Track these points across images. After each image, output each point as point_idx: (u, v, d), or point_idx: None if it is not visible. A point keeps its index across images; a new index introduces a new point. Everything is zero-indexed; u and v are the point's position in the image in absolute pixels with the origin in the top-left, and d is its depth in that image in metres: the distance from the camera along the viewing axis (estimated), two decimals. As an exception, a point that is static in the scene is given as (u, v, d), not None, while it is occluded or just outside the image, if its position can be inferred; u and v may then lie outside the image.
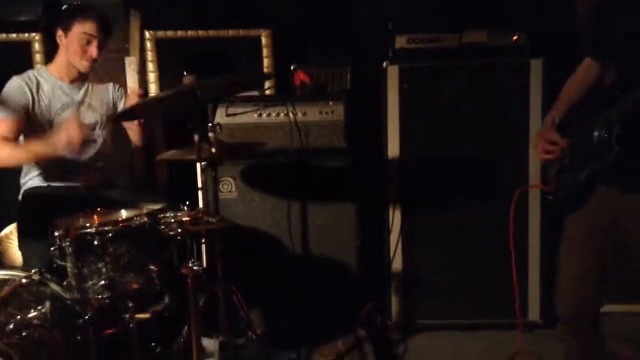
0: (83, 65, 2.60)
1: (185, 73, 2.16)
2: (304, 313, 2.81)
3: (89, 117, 2.67)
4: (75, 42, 2.55)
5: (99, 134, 2.71)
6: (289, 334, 2.76)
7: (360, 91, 3.13)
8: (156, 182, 3.26)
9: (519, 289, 2.72)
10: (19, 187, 2.67)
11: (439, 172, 2.98)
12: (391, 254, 3.01)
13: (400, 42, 2.96)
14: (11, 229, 2.63)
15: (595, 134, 1.97)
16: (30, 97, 2.53)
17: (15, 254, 2.58)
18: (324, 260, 2.93)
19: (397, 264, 3.01)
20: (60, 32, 2.59)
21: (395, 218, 2.99)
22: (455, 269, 2.99)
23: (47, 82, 2.60)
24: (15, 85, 2.53)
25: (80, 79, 2.68)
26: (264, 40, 3.26)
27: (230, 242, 2.46)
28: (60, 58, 2.63)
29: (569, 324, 2.23)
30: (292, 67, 3.12)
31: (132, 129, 2.81)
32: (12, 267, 2.21)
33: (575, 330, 2.24)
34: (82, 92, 2.68)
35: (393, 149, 2.97)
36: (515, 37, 2.93)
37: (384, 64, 2.95)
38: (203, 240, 2.18)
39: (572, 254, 2.15)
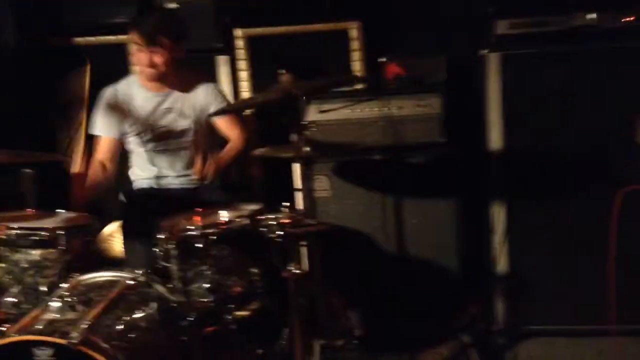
0: (142, 74, 2.56)
1: (279, 71, 2.09)
2: (405, 316, 2.70)
3: (180, 123, 2.65)
4: (136, 54, 2.52)
5: (191, 140, 2.68)
6: (390, 338, 2.66)
7: (458, 82, 2.97)
8: (250, 180, 3.23)
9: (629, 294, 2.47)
10: (120, 187, 2.71)
11: (545, 167, 2.77)
12: (495, 255, 2.83)
13: (502, 27, 2.77)
14: (114, 227, 2.68)
15: None
16: (124, 110, 2.55)
17: (118, 252, 2.62)
18: (423, 261, 2.81)
19: (501, 265, 2.83)
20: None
21: (498, 216, 2.81)
22: (565, 271, 2.77)
23: (137, 90, 2.61)
24: (111, 99, 2.55)
25: (165, 85, 2.63)
26: (353, 33, 3.16)
27: (327, 243, 2.40)
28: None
29: None
30: (383, 60, 3.00)
31: (234, 135, 2.76)
32: (117, 269, 2.22)
33: None
34: (171, 98, 2.64)
35: (495, 142, 2.79)
36: (629, 19, 2.68)
37: (484, 51, 2.77)
38: (303, 243, 2.11)
39: None
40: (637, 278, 2.67)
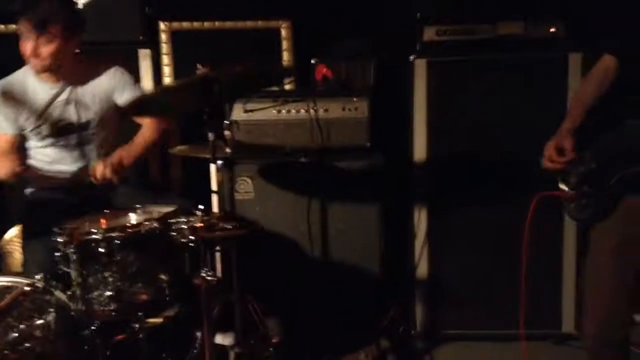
0: (33, 66, 2.35)
1: (199, 65, 1.99)
2: (324, 321, 2.67)
3: (80, 115, 2.47)
4: (23, 44, 2.31)
5: (96, 132, 2.52)
6: (309, 344, 2.61)
7: (385, 87, 2.96)
8: (170, 179, 3.12)
9: (553, 298, 2.55)
10: (22, 188, 2.54)
11: (468, 174, 2.80)
12: (416, 260, 2.85)
13: (429, 34, 2.78)
14: (15, 232, 2.50)
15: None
16: (20, 104, 2.36)
17: (19, 259, 2.45)
18: (346, 265, 2.78)
19: (422, 270, 2.85)
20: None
21: (420, 222, 2.83)
22: (483, 277, 2.83)
23: (33, 81, 2.41)
24: (5, 91, 2.35)
25: (61, 77, 2.43)
26: (283, 33, 3.10)
27: (246, 247, 2.33)
28: None
29: (595, 344, 2.03)
30: (313, 61, 2.96)
31: (146, 123, 2.61)
32: (14, 274, 2.07)
33: (600, 352, 2.04)
34: (69, 89, 2.45)
35: (419, 148, 2.80)
36: (553, 29, 2.74)
37: (411, 57, 2.77)
38: (217, 248, 2.03)
39: (600, 268, 1.97)
40: (549, 282, 2.74)
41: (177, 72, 3.04)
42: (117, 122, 2.58)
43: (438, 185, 2.81)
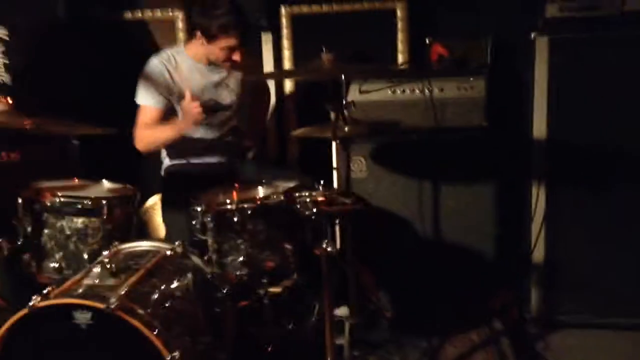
0: (224, 65, 2.57)
1: (323, 50, 2.08)
2: (436, 300, 2.69)
3: (226, 97, 2.67)
4: (218, 51, 2.50)
5: (234, 114, 2.71)
6: (420, 321, 2.66)
7: (503, 65, 2.90)
8: (287, 158, 3.26)
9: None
10: (161, 161, 2.77)
11: (590, 156, 2.70)
12: (532, 242, 2.79)
13: (552, 10, 2.68)
14: (155, 199, 2.74)
15: None
16: (170, 81, 2.54)
17: (158, 224, 2.69)
18: (457, 245, 2.78)
19: (538, 252, 2.78)
20: (199, 34, 2.51)
21: (538, 203, 2.76)
22: (604, 261, 2.72)
23: (186, 62, 2.59)
24: (156, 69, 2.53)
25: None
26: (399, 13, 3.12)
27: (361, 223, 2.41)
28: (198, 47, 2.56)
29: None
30: (428, 41, 2.96)
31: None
32: (156, 239, 2.29)
33: None
34: (219, 72, 2.65)
35: (539, 128, 2.72)
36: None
37: (532, 35, 2.70)
38: (337, 221, 2.12)
39: None
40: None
41: (296, 56, 3.15)
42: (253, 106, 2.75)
43: (557, 166, 2.73)
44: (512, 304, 2.81)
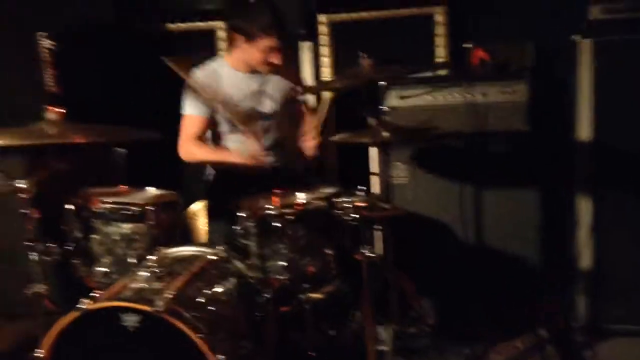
0: (264, 69, 2.60)
1: (360, 54, 2.09)
2: (479, 307, 2.66)
3: (267, 105, 2.71)
4: (259, 53, 2.53)
5: (276, 122, 2.74)
6: (463, 328, 2.63)
7: (545, 69, 2.86)
8: (325, 164, 3.28)
9: None
10: (204, 168, 2.82)
11: (636, 159, 2.64)
12: (578, 249, 2.73)
13: (595, 12, 2.64)
14: (198, 205, 2.80)
15: None
16: (213, 91, 2.57)
17: (201, 229, 2.74)
18: (501, 251, 2.75)
19: (584, 259, 2.73)
20: (238, 37, 2.55)
21: (584, 209, 2.70)
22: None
23: (227, 72, 2.64)
24: (200, 80, 2.58)
25: (255, 70, 2.67)
26: (438, 18, 3.11)
27: (402, 229, 2.40)
28: (238, 54, 2.62)
29: None
30: (468, 45, 2.94)
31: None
32: (200, 244, 2.33)
33: None
34: (260, 81, 2.68)
35: (584, 133, 2.67)
36: None
37: (575, 37, 2.65)
38: (378, 227, 2.12)
39: None
40: None
41: (335, 63, 3.17)
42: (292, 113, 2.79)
43: (602, 170, 2.67)
44: (557, 311, 2.75)
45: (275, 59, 2.54)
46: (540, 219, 2.70)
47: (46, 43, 2.85)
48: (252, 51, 2.54)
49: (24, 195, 2.07)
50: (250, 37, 2.51)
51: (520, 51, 2.89)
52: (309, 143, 2.61)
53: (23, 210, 2.08)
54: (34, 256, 2.10)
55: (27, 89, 2.85)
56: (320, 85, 3.12)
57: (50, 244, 2.15)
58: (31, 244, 2.10)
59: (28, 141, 2.04)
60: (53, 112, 2.08)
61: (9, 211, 2.84)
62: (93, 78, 2.89)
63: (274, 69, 2.61)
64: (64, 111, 2.09)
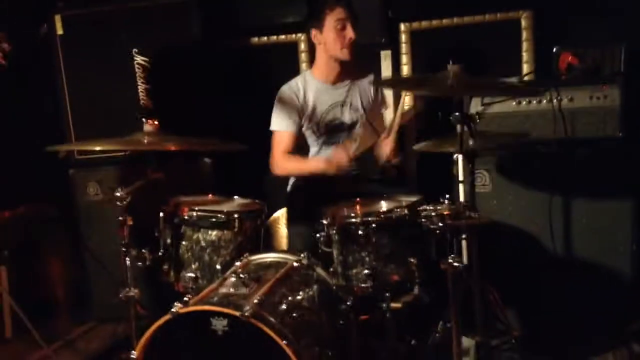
0: (344, 52, 2.63)
1: (450, 62, 2.06)
2: (567, 319, 2.55)
3: (350, 116, 2.74)
4: (332, 32, 2.60)
5: (358, 131, 2.77)
6: (551, 341, 2.53)
7: (638, 73, 2.72)
8: (405, 171, 3.25)
9: None
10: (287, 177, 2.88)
11: None
12: (677, 262, 2.57)
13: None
14: (280, 213, 2.85)
15: None
16: (300, 105, 2.68)
17: (282, 236, 2.79)
18: (591, 263, 2.63)
19: (684, 273, 2.56)
20: (314, 32, 2.66)
21: (683, 220, 2.54)
22: None
23: (312, 86, 2.71)
24: (287, 96, 2.69)
25: (341, 77, 2.74)
26: (524, 23, 3.03)
27: (487, 239, 2.34)
28: (320, 59, 2.71)
29: None
30: (555, 49, 2.84)
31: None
32: (283, 251, 2.37)
33: None
34: (344, 92, 2.75)
35: (681, 138, 2.52)
36: None
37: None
38: (463, 236, 2.07)
39: None
40: None
41: (415, 71, 3.15)
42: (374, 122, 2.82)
43: None
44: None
45: (349, 33, 2.59)
46: (634, 230, 2.56)
47: (139, 59, 3.03)
48: (326, 34, 2.61)
49: (119, 203, 2.18)
50: (321, 22, 2.60)
51: (611, 55, 2.77)
52: (386, 147, 2.62)
53: (119, 218, 2.18)
54: (127, 261, 2.21)
55: (124, 102, 3.03)
56: (409, 81, 3.10)
57: (143, 250, 2.26)
58: (125, 249, 2.22)
59: (130, 147, 2.16)
60: (148, 124, 2.19)
61: (105, 219, 3.04)
62: (182, 92, 3.01)
63: (353, 48, 2.62)
64: (158, 123, 2.20)
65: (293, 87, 2.71)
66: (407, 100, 2.79)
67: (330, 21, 2.59)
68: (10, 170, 2.63)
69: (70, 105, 3.10)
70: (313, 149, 2.77)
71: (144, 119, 2.19)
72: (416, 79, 2.66)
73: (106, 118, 3.06)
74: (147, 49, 3.02)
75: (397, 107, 2.63)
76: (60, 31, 3.03)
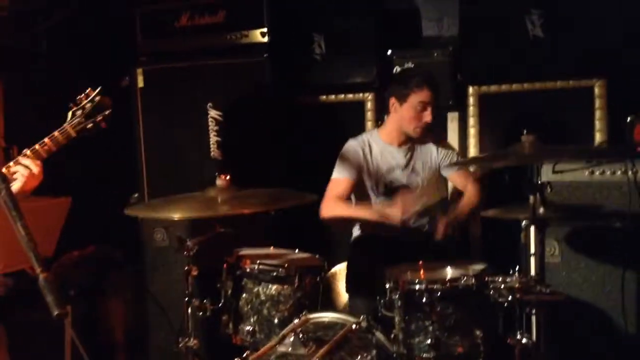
0: (416, 131, 2.68)
1: (525, 132, 2.04)
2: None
3: (412, 179, 2.74)
4: (411, 111, 2.64)
5: (421, 189, 2.76)
6: None
7: None
8: (470, 238, 3.18)
9: None
10: (350, 231, 2.87)
11: None
12: None
13: None
14: (340, 267, 2.83)
15: None
16: (363, 160, 2.72)
17: (340, 291, 2.75)
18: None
19: None
20: (394, 101, 2.70)
21: None
22: None
23: (378, 145, 2.76)
24: (352, 149, 2.74)
25: (407, 142, 2.77)
26: (597, 91, 2.97)
27: (555, 313, 2.24)
28: (391, 124, 2.76)
29: None
30: (629, 119, 2.76)
31: (469, 188, 2.82)
32: (342, 311, 2.34)
33: None
34: (408, 155, 2.77)
35: None
36: None
37: None
38: (532, 311, 2.00)
39: None
40: None
41: (482, 134, 3.13)
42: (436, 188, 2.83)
43: None
44: None
45: (427, 116, 2.63)
46: None
47: (213, 113, 3.15)
48: (405, 110, 2.65)
49: (186, 253, 2.22)
50: (403, 97, 2.65)
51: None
52: (440, 226, 2.64)
53: (185, 267, 2.22)
54: (189, 311, 2.24)
55: (197, 154, 3.13)
56: (477, 162, 3.09)
57: (204, 301, 2.28)
58: (188, 299, 2.24)
59: (202, 213, 2.23)
60: (221, 179, 2.24)
61: (169, 266, 3.10)
62: (250, 146, 3.09)
63: (425, 130, 2.67)
64: (230, 177, 2.25)
65: (359, 142, 2.77)
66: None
67: (414, 100, 2.63)
68: (84, 213, 2.73)
69: (145, 154, 3.21)
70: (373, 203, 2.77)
71: (217, 173, 2.25)
72: (493, 156, 2.64)
73: (179, 168, 3.16)
74: (221, 103, 3.13)
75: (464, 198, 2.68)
76: (141, 84, 3.18)
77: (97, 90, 2.17)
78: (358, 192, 2.77)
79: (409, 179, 2.75)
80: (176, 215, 2.30)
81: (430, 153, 2.81)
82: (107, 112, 2.15)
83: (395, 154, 2.76)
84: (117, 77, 3.29)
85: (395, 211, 2.49)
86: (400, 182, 2.74)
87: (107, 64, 3.30)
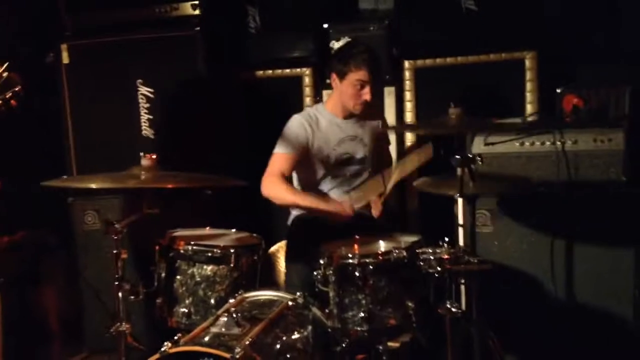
0: (356, 109, 2.67)
1: (451, 104, 2.06)
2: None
3: (360, 151, 2.74)
4: (350, 88, 2.62)
5: (365, 167, 2.77)
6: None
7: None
8: (407, 211, 3.23)
9: None
10: (289, 211, 2.85)
11: None
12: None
13: None
14: (280, 245, 2.81)
15: None
16: (310, 134, 2.68)
17: (280, 270, 2.75)
18: (593, 310, 2.58)
19: (689, 320, 2.50)
20: (334, 77, 2.68)
21: (687, 267, 2.49)
22: None
23: (325, 117, 2.73)
24: (297, 122, 2.69)
25: (353, 115, 2.75)
26: (527, 63, 3.03)
27: (487, 281, 2.30)
28: (335, 97, 2.74)
29: None
30: (558, 90, 2.83)
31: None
32: (279, 289, 2.33)
33: None
34: (355, 127, 2.76)
35: (687, 184, 2.49)
36: None
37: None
38: (462, 281, 2.04)
39: None
40: None
41: (418, 109, 3.16)
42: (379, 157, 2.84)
43: None
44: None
45: (366, 95, 2.61)
46: (636, 276, 2.51)
47: (143, 90, 3.05)
48: (345, 87, 2.64)
49: (114, 236, 2.16)
50: (343, 74, 2.63)
51: (616, 97, 2.76)
52: (376, 205, 2.66)
53: (114, 251, 2.16)
54: (120, 295, 2.18)
55: (126, 132, 3.03)
56: (404, 127, 3.12)
57: (136, 284, 2.23)
58: (118, 283, 2.19)
59: (123, 185, 2.15)
60: (146, 159, 2.18)
61: (102, 249, 3.02)
62: (184, 124, 3.02)
63: (365, 107, 2.66)
64: (156, 158, 2.19)
65: (305, 116, 2.72)
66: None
67: (352, 78, 2.61)
68: (10, 197, 2.62)
69: (72, 133, 3.10)
70: (314, 181, 2.75)
71: (142, 153, 2.18)
72: (420, 124, 2.65)
73: (108, 147, 3.06)
74: (152, 80, 3.04)
75: (395, 169, 2.65)
76: (66, 60, 3.05)
77: (4, 67, 2.05)
78: (301, 169, 2.74)
79: (358, 150, 2.74)
80: (93, 184, 2.22)
81: (374, 124, 2.81)
82: (16, 89, 2.04)
83: (343, 125, 2.74)
84: (42, 53, 3.16)
85: (340, 208, 2.51)
86: (350, 154, 2.73)
87: (30, 40, 3.15)
